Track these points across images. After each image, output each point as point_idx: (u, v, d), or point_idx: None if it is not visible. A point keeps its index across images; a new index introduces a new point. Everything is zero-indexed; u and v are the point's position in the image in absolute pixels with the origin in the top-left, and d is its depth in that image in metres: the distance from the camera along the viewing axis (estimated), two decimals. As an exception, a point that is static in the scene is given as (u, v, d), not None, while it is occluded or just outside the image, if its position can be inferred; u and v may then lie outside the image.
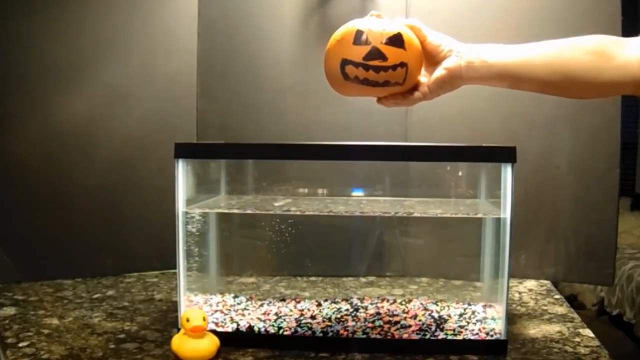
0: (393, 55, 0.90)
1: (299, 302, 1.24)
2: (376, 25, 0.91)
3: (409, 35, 0.92)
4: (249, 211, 1.19)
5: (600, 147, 1.42)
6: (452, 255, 1.42)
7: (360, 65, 0.90)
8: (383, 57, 0.89)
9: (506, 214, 1.03)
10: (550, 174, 1.45)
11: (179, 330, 1.03)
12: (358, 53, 0.90)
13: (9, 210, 1.40)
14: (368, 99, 0.97)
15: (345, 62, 0.91)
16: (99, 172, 1.46)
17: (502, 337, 1.04)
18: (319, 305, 1.22)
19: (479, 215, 1.21)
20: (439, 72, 0.92)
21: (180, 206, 1.07)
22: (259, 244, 1.34)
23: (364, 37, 0.90)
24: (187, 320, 0.97)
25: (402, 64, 0.90)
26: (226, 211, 1.23)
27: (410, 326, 1.10)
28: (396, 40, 0.90)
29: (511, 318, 1.20)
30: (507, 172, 1.03)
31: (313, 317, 1.14)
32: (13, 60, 1.38)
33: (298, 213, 1.18)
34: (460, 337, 1.06)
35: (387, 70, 0.90)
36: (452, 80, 0.92)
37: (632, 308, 2.81)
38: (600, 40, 0.88)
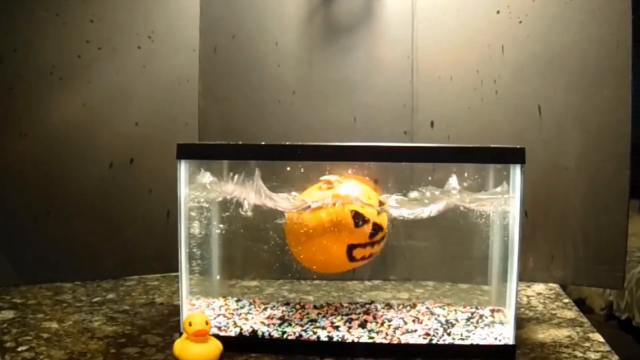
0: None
1: (303, 305, 1.22)
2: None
3: None
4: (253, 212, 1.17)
5: (610, 149, 1.39)
6: (459, 259, 1.40)
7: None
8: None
9: (515, 216, 1.01)
10: (559, 175, 1.42)
11: (181, 334, 1.01)
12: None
13: (7, 213, 1.39)
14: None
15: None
16: (99, 174, 1.45)
17: (511, 342, 1.03)
18: (324, 309, 1.20)
19: (487, 208, 1.18)
20: None
21: (183, 208, 1.06)
22: (262, 247, 1.32)
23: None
24: (190, 324, 0.96)
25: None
26: (229, 213, 1.21)
27: (416, 330, 1.08)
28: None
29: (519, 322, 1.18)
30: (516, 174, 1.01)
31: (317, 321, 1.12)
32: (13, 60, 1.37)
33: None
34: (467, 342, 1.04)
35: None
36: None
37: (641, 312, 2.77)
38: None
